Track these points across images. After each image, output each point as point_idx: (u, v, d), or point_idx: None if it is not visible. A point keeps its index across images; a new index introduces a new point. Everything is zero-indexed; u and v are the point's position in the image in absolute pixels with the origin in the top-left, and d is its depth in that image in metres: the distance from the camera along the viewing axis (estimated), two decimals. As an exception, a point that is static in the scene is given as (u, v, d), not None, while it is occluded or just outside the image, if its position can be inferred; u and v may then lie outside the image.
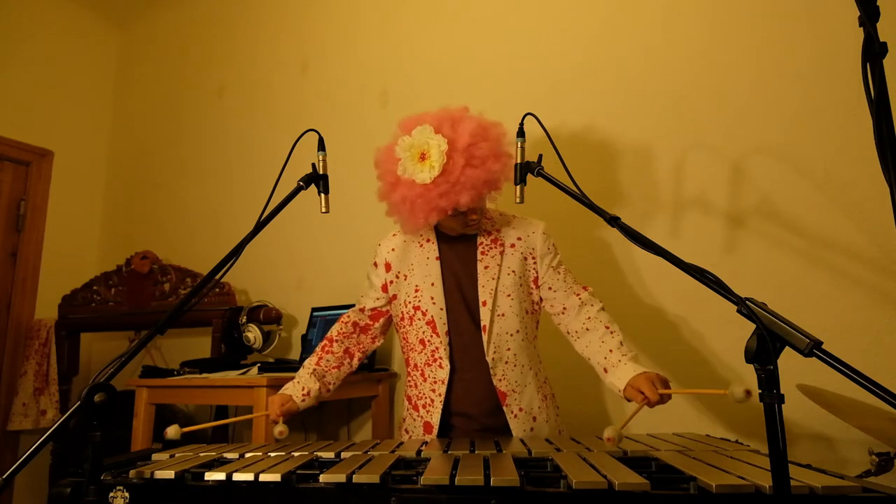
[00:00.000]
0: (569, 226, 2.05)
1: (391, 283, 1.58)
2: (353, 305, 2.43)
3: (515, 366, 1.49)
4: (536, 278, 1.54)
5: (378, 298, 1.61)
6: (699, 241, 1.87)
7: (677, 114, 1.96)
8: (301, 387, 1.50)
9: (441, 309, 1.49)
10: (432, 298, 1.50)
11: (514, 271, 1.51)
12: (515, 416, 1.45)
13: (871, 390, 0.68)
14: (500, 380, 1.47)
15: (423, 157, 1.38)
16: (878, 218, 1.64)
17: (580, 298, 1.49)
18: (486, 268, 1.51)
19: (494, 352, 1.47)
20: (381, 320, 1.64)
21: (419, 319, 1.52)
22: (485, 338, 1.47)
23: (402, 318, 1.56)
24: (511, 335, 1.49)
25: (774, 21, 1.84)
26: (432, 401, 1.48)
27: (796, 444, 1.65)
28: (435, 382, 1.48)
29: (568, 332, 1.51)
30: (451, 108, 1.47)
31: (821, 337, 0.72)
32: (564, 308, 1.51)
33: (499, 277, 1.50)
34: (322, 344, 1.61)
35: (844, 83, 1.71)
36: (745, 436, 1.67)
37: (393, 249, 1.60)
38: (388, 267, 1.59)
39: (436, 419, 1.46)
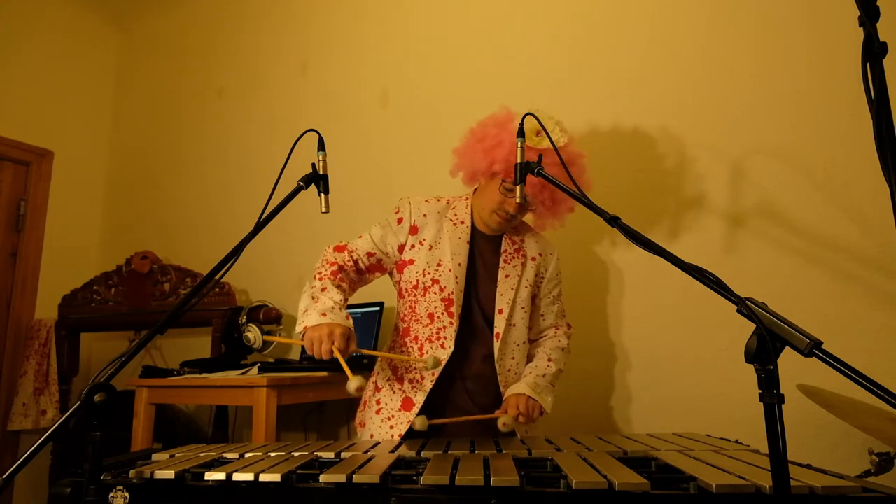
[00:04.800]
0: (568, 226, 2.05)
1: (412, 246, 1.53)
2: (352, 305, 2.42)
3: (517, 374, 1.53)
4: (535, 296, 1.59)
5: (389, 253, 1.54)
6: (699, 241, 1.87)
7: (677, 114, 1.96)
8: (344, 314, 1.34)
9: (461, 290, 1.49)
10: (456, 278, 1.48)
11: (530, 285, 1.55)
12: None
13: (871, 390, 0.67)
14: (504, 386, 1.50)
15: (538, 132, 1.41)
16: (878, 218, 1.64)
17: (556, 332, 1.61)
18: (507, 276, 1.53)
19: (502, 360, 1.49)
20: (377, 273, 1.57)
21: (434, 294, 1.48)
22: (497, 345, 1.49)
23: (416, 286, 1.50)
24: (518, 345, 1.53)
25: (774, 21, 1.84)
26: (422, 377, 1.45)
27: (796, 444, 1.65)
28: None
29: (529, 354, 1.60)
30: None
31: (821, 337, 0.72)
32: (541, 334, 1.62)
33: (517, 289, 1.52)
34: (332, 267, 1.45)
35: (844, 83, 1.71)
36: (745, 436, 1.67)
37: (425, 215, 1.54)
38: (413, 230, 1.53)
39: (420, 398, 1.43)
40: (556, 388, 1.54)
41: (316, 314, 1.31)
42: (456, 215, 1.57)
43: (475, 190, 1.61)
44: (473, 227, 1.57)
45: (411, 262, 1.53)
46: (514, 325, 1.52)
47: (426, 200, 1.57)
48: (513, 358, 1.52)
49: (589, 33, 2.16)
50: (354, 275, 1.52)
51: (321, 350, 1.27)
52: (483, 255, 1.56)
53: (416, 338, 1.49)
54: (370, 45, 2.70)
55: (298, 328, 1.34)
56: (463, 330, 1.49)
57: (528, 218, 1.67)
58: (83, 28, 3.54)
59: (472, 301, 1.51)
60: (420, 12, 2.58)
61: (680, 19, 2.00)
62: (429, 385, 1.44)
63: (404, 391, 1.47)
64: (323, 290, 1.38)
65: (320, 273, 1.44)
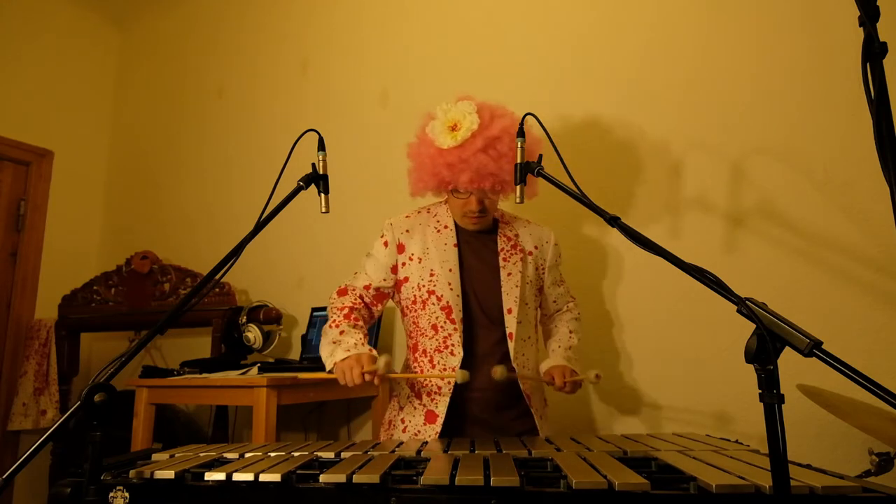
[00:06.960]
0: (568, 225, 2.05)
1: (403, 265, 1.56)
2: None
3: (531, 370, 1.55)
4: (542, 287, 1.63)
5: (385, 279, 1.56)
6: (699, 241, 1.87)
7: (677, 113, 1.96)
8: (368, 348, 1.39)
9: (458, 296, 1.50)
10: (450, 284, 1.50)
11: (531, 281, 1.57)
12: (541, 416, 1.54)
13: (871, 390, 0.68)
14: (524, 383, 1.51)
15: (453, 127, 1.43)
16: (878, 218, 1.64)
17: (567, 307, 1.70)
18: (509, 275, 1.53)
19: (518, 359, 1.50)
20: (384, 302, 1.61)
21: (433, 304, 1.49)
22: (511, 345, 1.49)
23: (414, 302, 1.53)
24: (525, 341, 1.54)
25: (774, 21, 1.84)
26: (440, 388, 1.46)
27: (796, 444, 1.65)
28: (444, 370, 1.46)
29: (545, 330, 1.72)
30: (504, 106, 1.52)
31: (821, 337, 0.72)
32: (551, 314, 1.70)
33: (521, 286, 1.53)
34: (343, 311, 1.49)
35: (844, 83, 1.71)
36: (745, 436, 1.67)
37: (407, 231, 1.57)
38: (400, 248, 1.56)
39: (442, 408, 1.44)
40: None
41: (342, 351, 1.36)
42: (439, 221, 1.58)
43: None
44: (459, 229, 1.58)
45: (406, 279, 1.56)
46: (521, 323, 1.52)
47: (407, 216, 1.61)
48: (523, 355, 1.52)
49: (589, 33, 2.16)
50: (365, 311, 1.56)
51: (352, 376, 1.31)
52: (478, 253, 1.56)
53: (424, 351, 1.50)
54: (370, 45, 2.70)
55: (328, 367, 1.39)
56: (468, 334, 1.49)
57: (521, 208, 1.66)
58: (83, 28, 3.54)
59: (471, 303, 1.51)
60: (420, 12, 2.58)
61: (680, 19, 2.00)
62: (448, 394, 1.45)
63: (425, 405, 1.48)
64: (342, 332, 1.42)
65: (334, 320, 1.47)
